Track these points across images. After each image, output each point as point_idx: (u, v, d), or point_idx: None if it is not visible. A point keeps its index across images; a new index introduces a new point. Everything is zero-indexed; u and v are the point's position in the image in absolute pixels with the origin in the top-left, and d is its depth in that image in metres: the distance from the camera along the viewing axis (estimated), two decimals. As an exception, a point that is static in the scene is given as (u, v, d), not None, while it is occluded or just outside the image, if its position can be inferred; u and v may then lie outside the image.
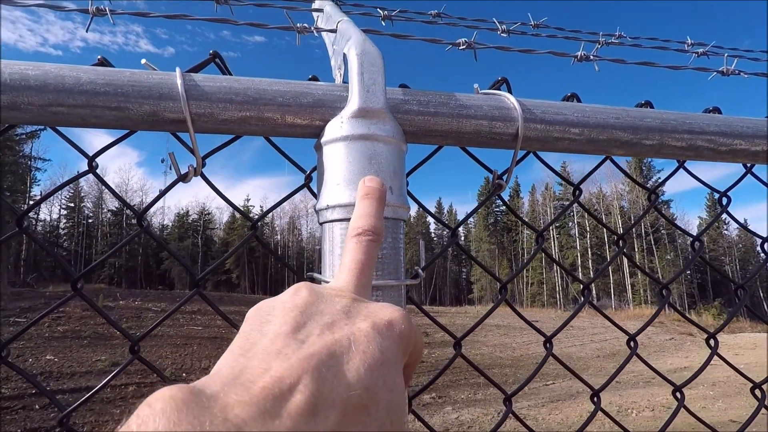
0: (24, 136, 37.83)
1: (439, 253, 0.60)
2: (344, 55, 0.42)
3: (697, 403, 7.88)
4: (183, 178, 0.42)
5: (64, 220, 51.39)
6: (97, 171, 0.54)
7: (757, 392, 0.79)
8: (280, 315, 0.28)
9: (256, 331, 0.28)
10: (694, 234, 0.71)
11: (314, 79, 0.47)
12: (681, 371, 11.58)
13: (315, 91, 0.43)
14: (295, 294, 0.30)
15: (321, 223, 0.40)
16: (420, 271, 0.42)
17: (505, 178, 0.49)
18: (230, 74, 0.46)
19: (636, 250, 44.70)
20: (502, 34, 0.70)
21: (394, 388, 0.26)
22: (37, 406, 7.12)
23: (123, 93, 0.39)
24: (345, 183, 0.38)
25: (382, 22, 0.68)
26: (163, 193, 0.48)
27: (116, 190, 0.53)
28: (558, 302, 44.94)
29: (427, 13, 0.81)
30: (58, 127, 0.45)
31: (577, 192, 0.65)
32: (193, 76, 0.41)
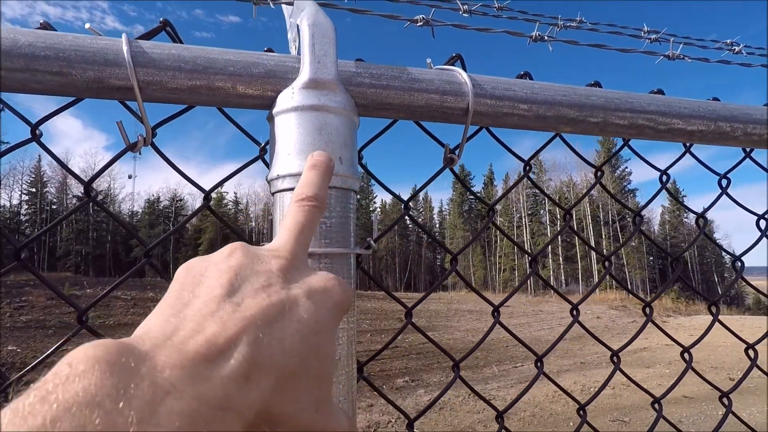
0: (-23, 117, 35.74)
1: (392, 225, 0.61)
2: (297, 26, 0.42)
3: (653, 381, 8.32)
4: (132, 147, 0.41)
5: (26, 206, 49.12)
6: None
7: (686, 355, 0.85)
8: (214, 276, 0.27)
9: (188, 292, 0.27)
10: (636, 210, 0.75)
11: (269, 50, 0.47)
12: (641, 352, 12.17)
13: (266, 62, 0.43)
14: (230, 255, 0.29)
15: (273, 193, 0.40)
16: (372, 242, 0.43)
17: (457, 152, 0.51)
18: (180, 41, 0.46)
19: (603, 236, 46.27)
20: (464, 14, 0.71)
21: (326, 358, 0.27)
22: (-3, 398, 6.87)
23: (65, 58, 0.38)
24: (296, 153, 0.38)
25: (344, -2, 0.68)
26: (111, 162, 0.47)
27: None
28: (529, 288, 46.24)
29: (393, -7, 0.81)
30: (-1, 94, 0.44)
31: (527, 167, 0.67)
32: (140, 43, 0.40)
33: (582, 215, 47.09)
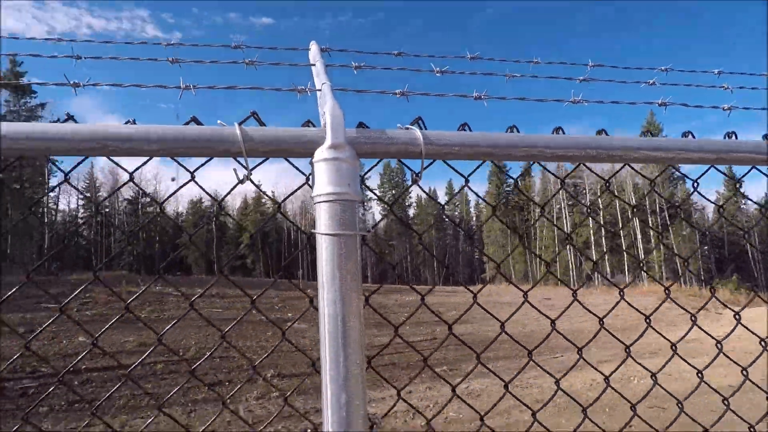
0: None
1: (375, 223, 0.93)
2: (323, 113, 0.77)
3: (693, 372, 8.20)
4: (242, 182, 0.77)
5: (82, 210, 52.61)
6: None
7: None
8: None
9: None
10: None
11: (309, 123, 0.82)
12: (692, 342, 11.88)
13: (308, 134, 0.79)
14: None
15: (314, 203, 0.75)
16: (370, 228, 0.76)
17: (419, 175, 0.84)
18: (263, 125, 0.81)
19: (650, 226, 44.37)
20: (437, 74, 1.03)
21: None
22: (76, 382, 7.77)
23: (211, 140, 0.76)
24: (326, 183, 0.74)
25: (355, 72, 1.02)
26: (228, 193, 0.83)
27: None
28: (571, 280, 45.08)
29: (392, 53, 1.14)
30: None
31: (495, 207, 0.99)
32: (246, 130, 0.77)
33: (626, 205, 45.24)
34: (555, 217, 50.74)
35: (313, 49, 1.06)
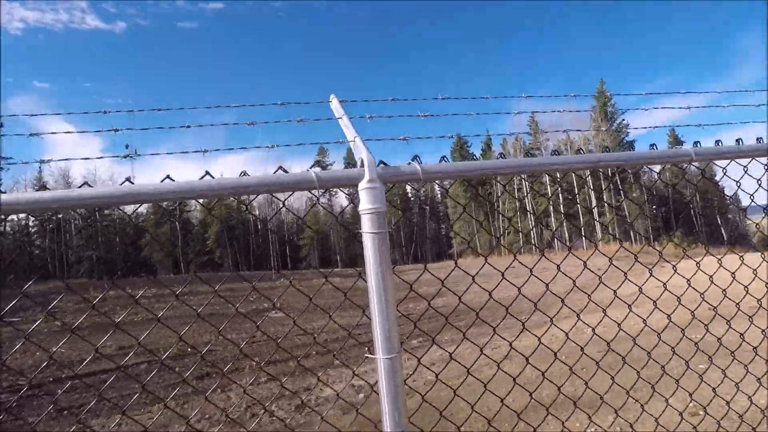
0: (-22, 136, 35.97)
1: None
2: (361, 158, 1.26)
3: (633, 319, 9.28)
4: (314, 204, 1.24)
5: (32, 218, 49.67)
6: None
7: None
8: None
9: None
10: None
11: (349, 165, 1.30)
12: (633, 295, 13.16)
13: (353, 174, 1.28)
14: None
15: (361, 214, 1.24)
16: (392, 227, 1.25)
17: (421, 190, 1.32)
18: (325, 168, 1.28)
19: (603, 189, 46.98)
20: (422, 117, 1.53)
21: None
22: (59, 391, 7.88)
23: (298, 182, 1.23)
24: (367, 202, 1.24)
25: (368, 120, 1.50)
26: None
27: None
28: (533, 248, 47.25)
29: (388, 99, 1.63)
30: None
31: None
32: (318, 173, 1.24)
33: (582, 172, 47.62)
34: (516, 188, 52.31)
35: (334, 102, 1.52)
